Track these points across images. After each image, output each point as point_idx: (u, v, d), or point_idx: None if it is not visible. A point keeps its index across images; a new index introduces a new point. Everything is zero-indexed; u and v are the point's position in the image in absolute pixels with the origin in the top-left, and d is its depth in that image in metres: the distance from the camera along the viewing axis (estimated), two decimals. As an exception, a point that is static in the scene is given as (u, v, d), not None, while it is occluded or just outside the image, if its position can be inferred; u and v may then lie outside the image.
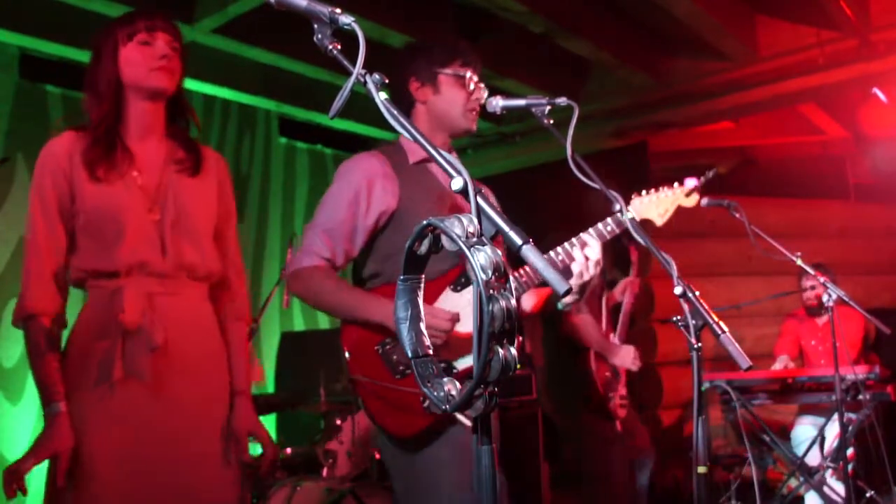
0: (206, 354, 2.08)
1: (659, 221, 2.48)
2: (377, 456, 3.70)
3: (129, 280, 1.96)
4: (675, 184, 2.52)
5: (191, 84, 4.57)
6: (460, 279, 2.28)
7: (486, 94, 2.40)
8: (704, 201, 3.34)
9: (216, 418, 2.07)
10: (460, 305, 2.24)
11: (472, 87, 2.39)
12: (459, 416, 2.16)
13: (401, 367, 2.19)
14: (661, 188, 2.50)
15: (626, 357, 3.97)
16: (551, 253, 2.29)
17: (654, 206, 2.47)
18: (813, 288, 4.81)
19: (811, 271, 3.28)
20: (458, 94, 2.38)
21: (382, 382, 2.19)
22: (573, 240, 2.30)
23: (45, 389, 1.91)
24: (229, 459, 2.05)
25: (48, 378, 1.91)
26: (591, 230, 2.30)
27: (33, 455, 1.85)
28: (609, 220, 2.30)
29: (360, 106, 4.26)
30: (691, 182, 2.52)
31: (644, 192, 2.50)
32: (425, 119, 2.41)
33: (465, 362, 2.22)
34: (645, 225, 2.41)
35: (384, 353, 2.20)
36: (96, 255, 1.97)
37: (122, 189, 1.99)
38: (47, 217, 1.98)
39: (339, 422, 3.99)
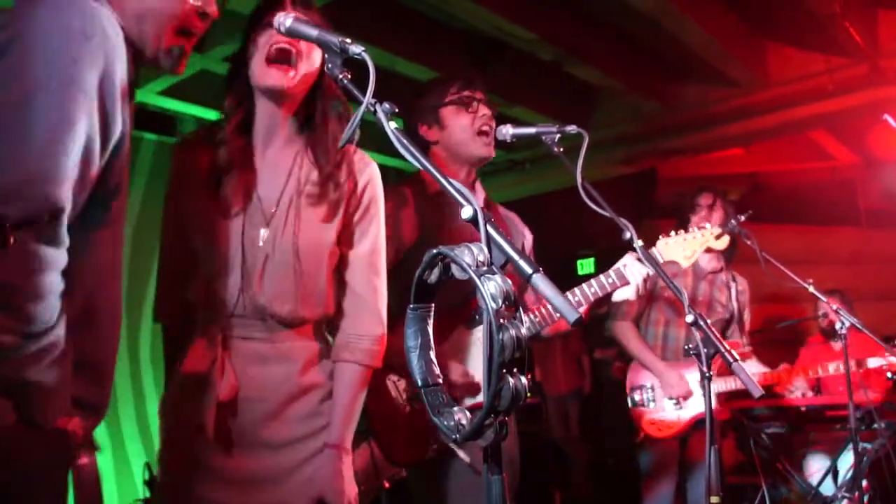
0: (284, 403, 1.79)
1: (685, 263, 2.40)
2: (386, 485, 3.68)
3: (209, 320, 1.79)
4: (708, 225, 2.46)
5: (206, 113, 4.61)
6: (473, 316, 2.28)
7: (491, 113, 2.40)
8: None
9: (294, 479, 1.78)
10: (471, 342, 2.25)
11: (475, 105, 2.37)
12: (458, 452, 2.16)
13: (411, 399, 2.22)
14: (690, 229, 2.42)
15: None
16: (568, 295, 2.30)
17: (681, 247, 2.39)
18: (825, 316, 4.75)
19: (823, 298, 3.25)
20: (463, 119, 2.36)
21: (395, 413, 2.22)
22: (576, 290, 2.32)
23: None
24: None
25: None
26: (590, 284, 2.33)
27: None
28: (611, 271, 2.32)
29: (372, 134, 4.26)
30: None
31: (673, 232, 2.42)
32: (443, 157, 2.40)
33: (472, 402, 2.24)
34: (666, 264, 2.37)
35: (394, 386, 2.25)
36: (192, 283, 1.82)
37: (232, 213, 1.78)
38: (177, 224, 1.88)
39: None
